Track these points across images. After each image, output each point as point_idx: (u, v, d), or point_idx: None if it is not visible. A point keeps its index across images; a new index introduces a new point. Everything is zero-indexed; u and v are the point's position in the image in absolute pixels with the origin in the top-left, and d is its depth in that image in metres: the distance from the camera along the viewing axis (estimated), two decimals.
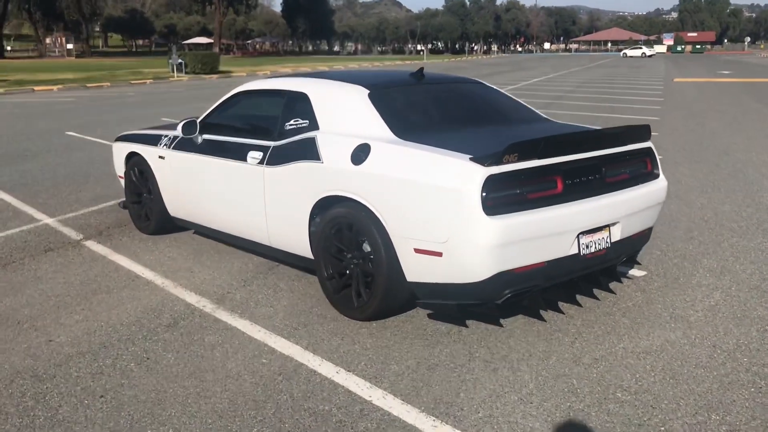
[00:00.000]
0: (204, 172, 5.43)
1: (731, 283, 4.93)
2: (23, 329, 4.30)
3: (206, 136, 5.51)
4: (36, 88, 28.25)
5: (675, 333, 4.10)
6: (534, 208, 3.77)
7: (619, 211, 4.16)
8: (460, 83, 5.15)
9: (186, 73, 38.49)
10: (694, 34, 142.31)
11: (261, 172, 4.85)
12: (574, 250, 3.98)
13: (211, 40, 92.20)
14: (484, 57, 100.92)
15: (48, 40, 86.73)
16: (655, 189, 4.43)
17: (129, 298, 4.81)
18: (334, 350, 3.95)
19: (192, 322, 4.38)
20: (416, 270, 3.96)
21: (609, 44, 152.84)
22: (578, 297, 4.48)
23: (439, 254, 3.79)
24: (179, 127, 5.42)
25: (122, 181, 6.73)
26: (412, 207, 3.86)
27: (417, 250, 3.89)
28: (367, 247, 4.26)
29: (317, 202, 4.47)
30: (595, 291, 4.59)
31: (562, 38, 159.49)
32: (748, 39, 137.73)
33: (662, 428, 3.13)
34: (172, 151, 5.79)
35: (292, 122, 4.80)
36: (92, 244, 6.14)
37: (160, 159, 5.94)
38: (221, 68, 41.53)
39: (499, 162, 3.64)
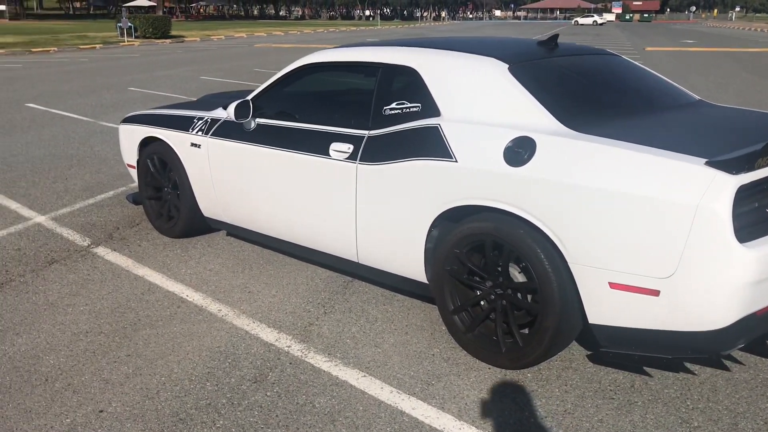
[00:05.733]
0: (262, 167, 4.28)
1: None
2: (57, 391, 3.14)
3: (262, 121, 4.35)
4: None
5: None
6: None
7: None
8: (599, 55, 4.09)
9: (136, 37, 36.34)
10: (639, 2, 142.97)
11: (352, 171, 3.75)
12: None
13: (154, 3, 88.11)
14: (436, 23, 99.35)
15: None
16: None
17: (184, 335, 3.68)
18: (499, 419, 2.92)
19: (284, 374, 3.29)
20: (609, 311, 2.95)
21: (557, 12, 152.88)
22: None
23: (655, 293, 2.78)
24: (231, 110, 4.24)
25: (133, 172, 5.51)
26: (612, 227, 2.82)
27: (614, 285, 2.88)
28: (517, 275, 3.24)
29: (444, 212, 3.41)
30: None
31: (511, 5, 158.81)
32: (693, 8, 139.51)
33: None
34: (212, 139, 4.61)
35: (394, 105, 3.70)
36: (106, 252, 4.94)
37: (194, 147, 4.75)
38: (172, 33, 39.45)
39: (751, 167, 2.64)
